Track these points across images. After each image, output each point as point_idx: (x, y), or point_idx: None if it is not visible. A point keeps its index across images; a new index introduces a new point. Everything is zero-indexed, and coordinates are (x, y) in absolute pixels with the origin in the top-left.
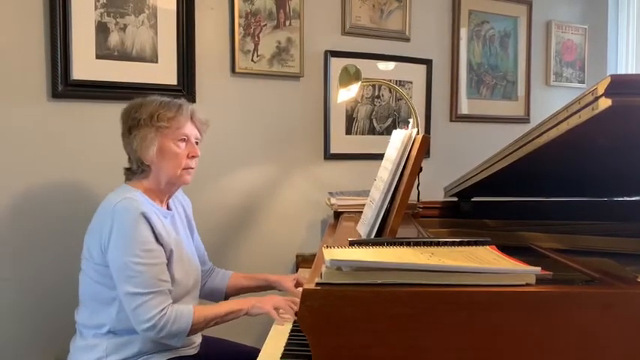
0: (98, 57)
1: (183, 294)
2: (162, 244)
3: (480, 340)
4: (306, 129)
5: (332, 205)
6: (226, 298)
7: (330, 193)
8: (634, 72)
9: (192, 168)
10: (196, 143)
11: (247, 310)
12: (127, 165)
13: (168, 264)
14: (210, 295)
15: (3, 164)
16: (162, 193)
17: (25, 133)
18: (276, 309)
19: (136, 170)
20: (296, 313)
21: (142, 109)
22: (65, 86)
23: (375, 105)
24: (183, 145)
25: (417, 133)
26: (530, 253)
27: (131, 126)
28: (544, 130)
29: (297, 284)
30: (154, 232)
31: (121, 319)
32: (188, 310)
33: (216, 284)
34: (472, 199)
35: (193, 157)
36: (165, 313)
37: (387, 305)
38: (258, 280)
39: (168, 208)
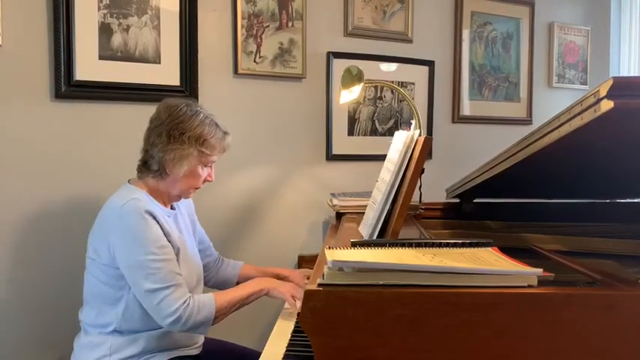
0: (101, 58)
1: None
2: (170, 242)
3: (481, 342)
4: (309, 130)
5: (334, 206)
6: None
7: (332, 194)
8: (636, 74)
9: (199, 188)
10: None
11: (269, 290)
12: (135, 163)
13: (177, 261)
14: (221, 285)
15: (6, 165)
16: (167, 198)
17: (28, 134)
18: (294, 298)
19: (153, 170)
20: (298, 314)
21: (191, 124)
22: (68, 87)
23: (377, 106)
24: (206, 169)
25: (419, 135)
26: (532, 254)
27: (173, 135)
28: (546, 132)
29: (309, 279)
30: (162, 229)
31: (127, 318)
32: (209, 298)
33: (227, 274)
34: (474, 201)
35: (207, 181)
36: (188, 304)
37: (388, 306)
38: (268, 273)
39: (171, 208)
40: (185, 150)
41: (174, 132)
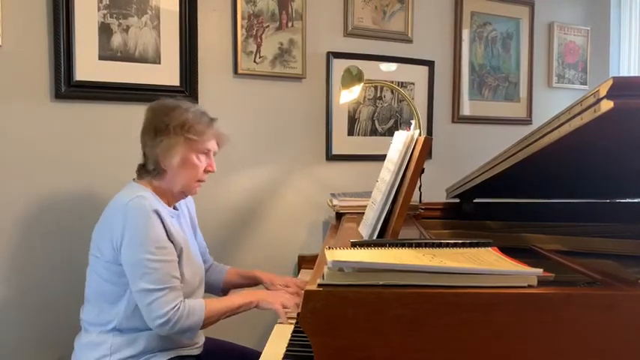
0: (101, 58)
1: (190, 293)
2: (172, 242)
3: (481, 342)
4: (309, 130)
5: (334, 206)
6: (223, 292)
7: (332, 194)
8: (636, 74)
9: (204, 181)
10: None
11: (257, 302)
12: (135, 162)
13: (179, 262)
14: (206, 289)
15: (6, 165)
16: (171, 197)
17: (28, 134)
18: (284, 307)
19: (150, 170)
20: (298, 314)
21: (174, 114)
22: (68, 87)
23: (377, 106)
24: (203, 158)
25: (419, 135)
26: (531, 254)
27: (158, 129)
28: (546, 132)
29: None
30: (165, 229)
31: (128, 316)
32: (200, 305)
33: (213, 279)
34: (474, 201)
35: (209, 171)
36: (178, 309)
37: (388, 306)
38: (250, 278)
39: (174, 208)
40: (172, 139)
41: (160, 125)
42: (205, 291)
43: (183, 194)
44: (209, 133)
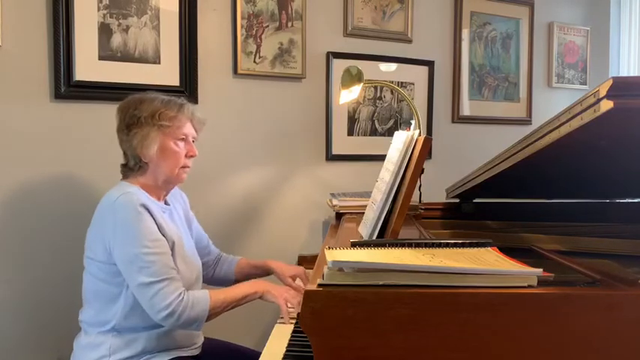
0: (101, 58)
1: (188, 288)
2: (164, 236)
3: (481, 342)
4: (308, 130)
5: (334, 206)
6: (236, 283)
7: (332, 194)
8: (636, 74)
9: (189, 167)
10: (192, 141)
11: (262, 293)
12: (122, 161)
13: (172, 255)
14: (219, 282)
15: (5, 165)
16: (159, 190)
17: (27, 134)
18: (287, 305)
19: (133, 167)
20: (298, 314)
21: (143, 106)
22: (68, 87)
23: (376, 106)
24: (182, 144)
25: (419, 135)
26: (531, 254)
27: (130, 123)
28: (546, 132)
29: (294, 278)
30: (156, 223)
31: (126, 315)
32: (204, 295)
33: (225, 271)
34: (474, 201)
35: (191, 156)
36: (182, 298)
37: (388, 306)
38: (261, 268)
39: (166, 203)
40: (144, 129)
41: (131, 120)
42: (218, 283)
43: (169, 184)
44: (181, 117)
